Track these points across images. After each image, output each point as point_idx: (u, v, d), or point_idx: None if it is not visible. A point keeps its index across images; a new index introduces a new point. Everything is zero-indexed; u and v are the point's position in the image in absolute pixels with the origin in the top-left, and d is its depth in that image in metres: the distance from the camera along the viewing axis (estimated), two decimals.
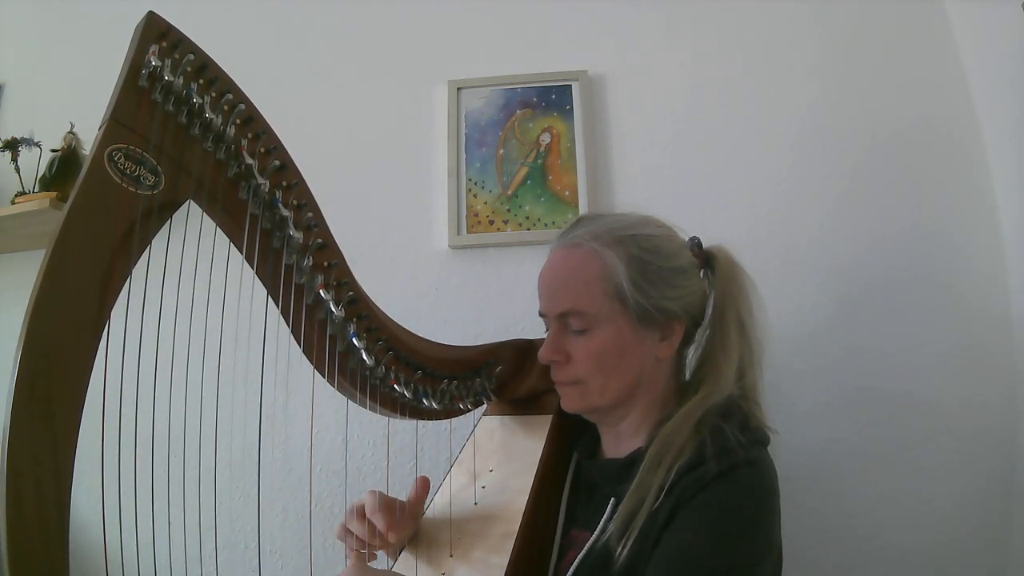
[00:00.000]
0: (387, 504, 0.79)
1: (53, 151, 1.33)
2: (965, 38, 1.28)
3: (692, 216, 1.23)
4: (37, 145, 1.33)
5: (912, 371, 1.18)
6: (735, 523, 0.65)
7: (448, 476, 0.87)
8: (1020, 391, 1.15)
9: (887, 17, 1.33)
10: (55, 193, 1.27)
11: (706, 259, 0.82)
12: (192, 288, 0.58)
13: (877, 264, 1.22)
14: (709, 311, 0.81)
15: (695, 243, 0.83)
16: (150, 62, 0.56)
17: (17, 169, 1.33)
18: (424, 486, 0.83)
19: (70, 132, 1.33)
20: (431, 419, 0.82)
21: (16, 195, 1.32)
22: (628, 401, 0.78)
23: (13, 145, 1.33)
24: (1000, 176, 1.22)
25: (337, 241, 0.70)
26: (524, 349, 0.90)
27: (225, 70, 0.61)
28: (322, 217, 0.68)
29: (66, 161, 1.31)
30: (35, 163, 1.34)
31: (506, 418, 0.93)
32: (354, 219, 1.32)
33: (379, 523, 0.76)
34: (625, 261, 0.75)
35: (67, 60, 1.51)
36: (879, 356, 1.19)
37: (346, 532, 0.80)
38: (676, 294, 0.76)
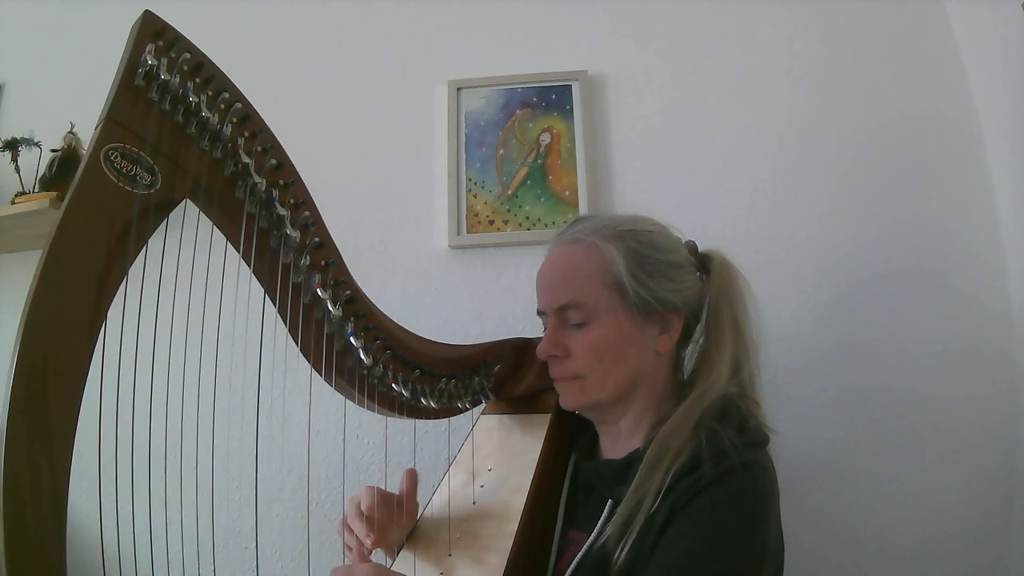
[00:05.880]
0: (386, 499, 0.79)
1: (53, 151, 1.33)
2: (965, 38, 1.28)
3: (692, 215, 1.24)
4: (37, 145, 1.33)
5: (912, 368, 1.18)
6: (729, 530, 0.64)
7: (447, 475, 0.87)
8: (1020, 387, 1.15)
9: (887, 16, 1.33)
10: (55, 193, 1.27)
11: (702, 262, 0.83)
12: (189, 287, 0.58)
13: (877, 261, 1.22)
14: (705, 312, 0.81)
15: (691, 246, 0.84)
16: (146, 61, 0.56)
17: (17, 169, 1.33)
18: (412, 479, 0.82)
19: (70, 132, 1.33)
20: (429, 418, 0.82)
21: (16, 195, 1.33)
22: (627, 397, 0.78)
23: (13, 145, 1.33)
24: (999, 173, 1.22)
25: (337, 241, 0.69)
26: (522, 348, 0.90)
27: (222, 69, 0.61)
28: (319, 216, 0.68)
29: (66, 161, 1.31)
30: (35, 163, 1.34)
31: (504, 417, 0.93)
32: (354, 219, 1.32)
33: (377, 519, 0.75)
34: (623, 253, 0.76)
35: (67, 60, 1.51)
36: (879, 353, 1.19)
37: (347, 529, 0.79)
38: (674, 287, 0.77)
